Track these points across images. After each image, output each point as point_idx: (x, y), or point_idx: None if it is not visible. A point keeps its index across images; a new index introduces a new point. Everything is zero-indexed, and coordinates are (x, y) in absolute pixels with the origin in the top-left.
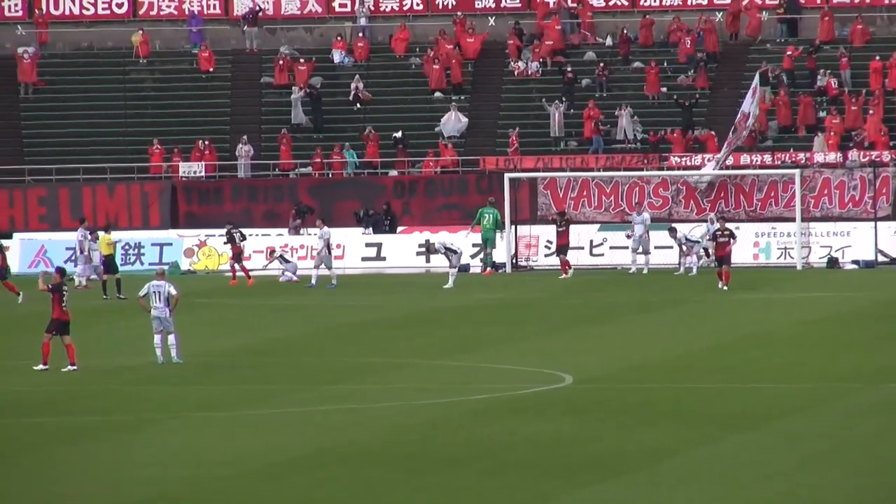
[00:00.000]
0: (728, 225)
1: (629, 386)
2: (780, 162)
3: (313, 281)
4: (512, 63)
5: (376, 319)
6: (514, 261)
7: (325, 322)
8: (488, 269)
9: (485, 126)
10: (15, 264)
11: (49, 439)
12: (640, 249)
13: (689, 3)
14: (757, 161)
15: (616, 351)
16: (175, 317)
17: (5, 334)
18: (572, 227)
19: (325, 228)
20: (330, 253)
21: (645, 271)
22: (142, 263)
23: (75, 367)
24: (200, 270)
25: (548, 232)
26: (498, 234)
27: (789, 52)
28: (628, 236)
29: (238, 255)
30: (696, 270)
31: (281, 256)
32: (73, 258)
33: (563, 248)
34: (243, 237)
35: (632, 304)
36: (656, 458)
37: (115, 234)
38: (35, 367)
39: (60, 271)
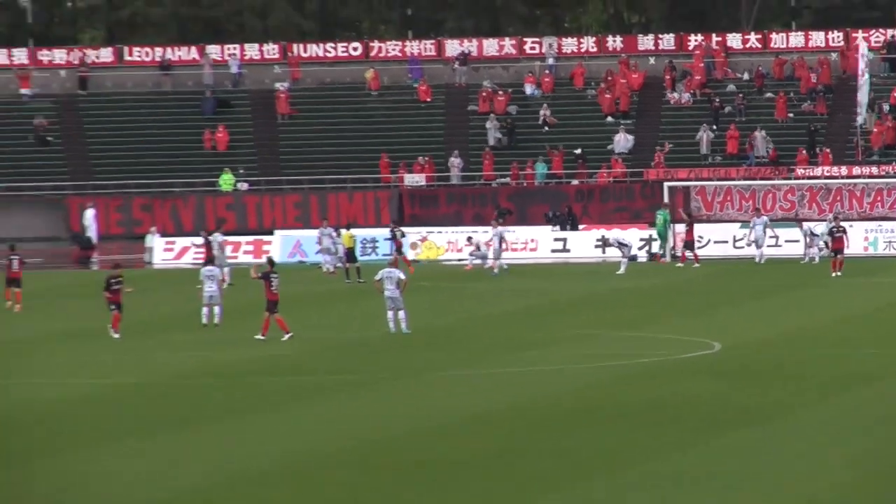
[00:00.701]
0: (842, 223)
1: (766, 352)
2: (884, 172)
3: (496, 270)
4: (668, 94)
5: (562, 300)
6: (672, 253)
7: (521, 302)
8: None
9: (647, 144)
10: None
11: (303, 393)
12: (758, 244)
13: (809, 45)
14: (866, 172)
15: (755, 324)
16: (404, 296)
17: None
18: (714, 226)
19: (499, 227)
20: (500, 247)
21: (761, 262)
22: (376, 254)
23: (291, 335)
24: (423, 260)
25: (699, 229)
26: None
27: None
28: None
29: (399, 249)
30: (818, 259)
31: (477, 247)
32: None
33: (689, 243)
34: (403, 234)
35: (764, 287)
36: (788, 410)
37: (355, 231)
38: (255, 336)
39: (270, 262)
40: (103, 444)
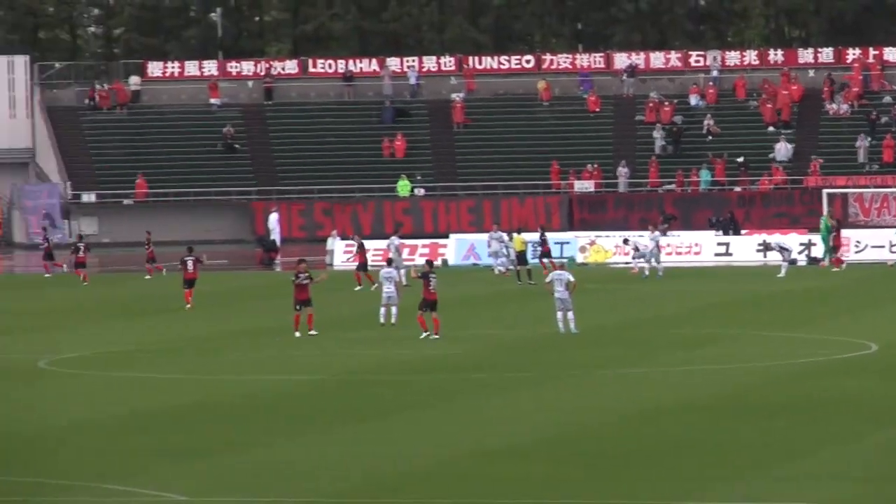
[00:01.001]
0: None
1: None
2: None
3: (646, 272)
4: (827, 105)
5: (725, 301)
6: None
7: (685, 303)
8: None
9: (807, 153)
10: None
11: (480, 389)
12: None
13: None
14: None
15: None
16: (573, 298)
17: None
18: (872, 231)
19: (656, 232)
20: (657, 251)
21: None
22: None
23: (437, 336)
24: (591, 263)
25: (856, 234)
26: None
27: None
28: None
29: (547, 254)
30: None
31: (636, 248)
32: (498, 253)
33: (834, 248)
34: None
35: None
36: None
37: (526, 235)
38: (421, 337)
39: (429, 263)
40: (296, 434)
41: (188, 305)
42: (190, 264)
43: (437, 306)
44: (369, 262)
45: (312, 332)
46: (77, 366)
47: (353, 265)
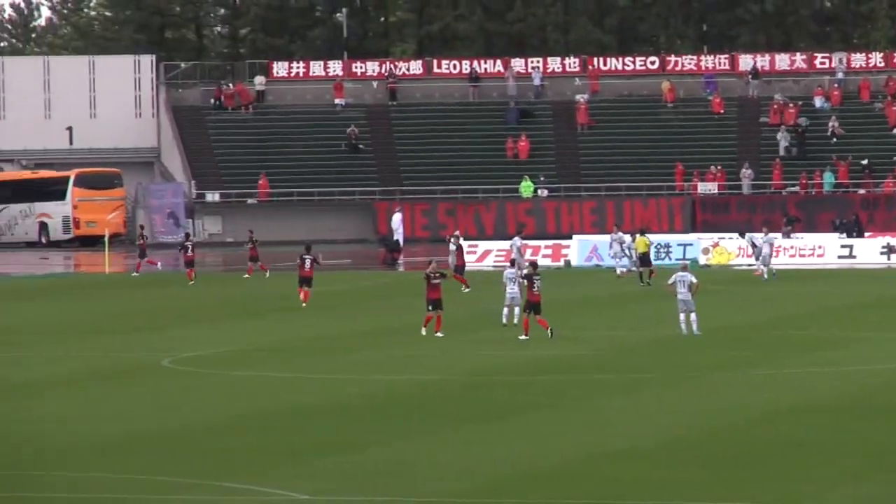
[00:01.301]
0: None
1: None
2: None
3: (765, 276)
4: None
5: (849, 304)
6: None
7: (809, 305)
8: None
9: None
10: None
11: (603, 390)
12: None
13: None
14: None
15: None
16: (695, 299)
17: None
18: None
19: (770, 234)
20: (770, 253)
21: None
22: (669, 259)
23: (549, 336)
24: (714, 265)
25: None
26: None
27: None
28: None
29: (646, 258)
30: None
31: (752, 243)
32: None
33: None
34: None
35: None
36: None
37: (650, 237)
38: (519, 337)
39: (534, 265)
40: (416, 435)
41: (304, 304)
42: (307, 263)
43: (540, 308)
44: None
45: (439, 334)
46: (198, 364)
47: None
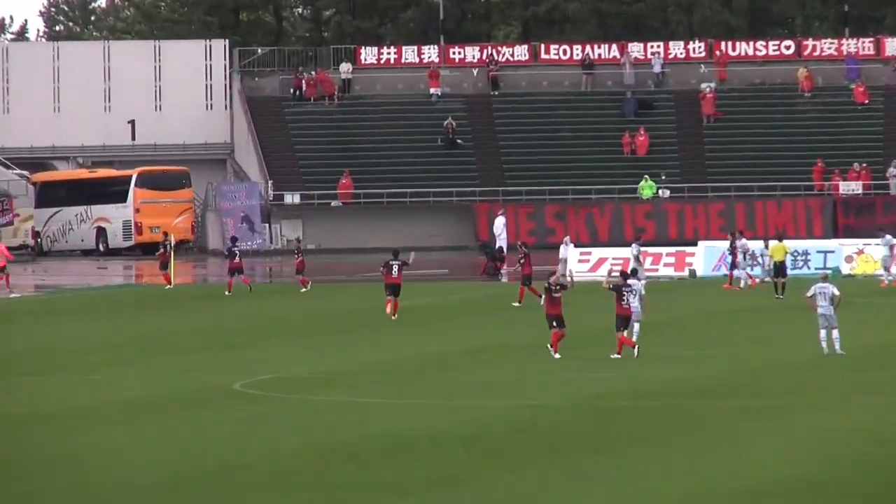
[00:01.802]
0: None
1: None
2: None
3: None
4: None
5: None
6: None
7: None
8: None
9: None
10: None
11: (730, 417)
12: None
13: None
14: None
15: None
16: (838, 314)
17: (661, 329)
18: None
19: (888, 237)
20: (892, 256)
21: None
22: (808, 268)
23: (636, 355)
24: (858, 275)
25: None
26: None
27: None
28: None
29: (782, 267)
30: None
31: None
32: (750, 263)
33: None
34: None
35: None
36: None
37: (788, 243)
38: (611, 356)
39: (623, 275)
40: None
41: (393, 317)
42: (395, 269)
43: (628, 323)
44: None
45: (556, 356)
46: (275, 388)
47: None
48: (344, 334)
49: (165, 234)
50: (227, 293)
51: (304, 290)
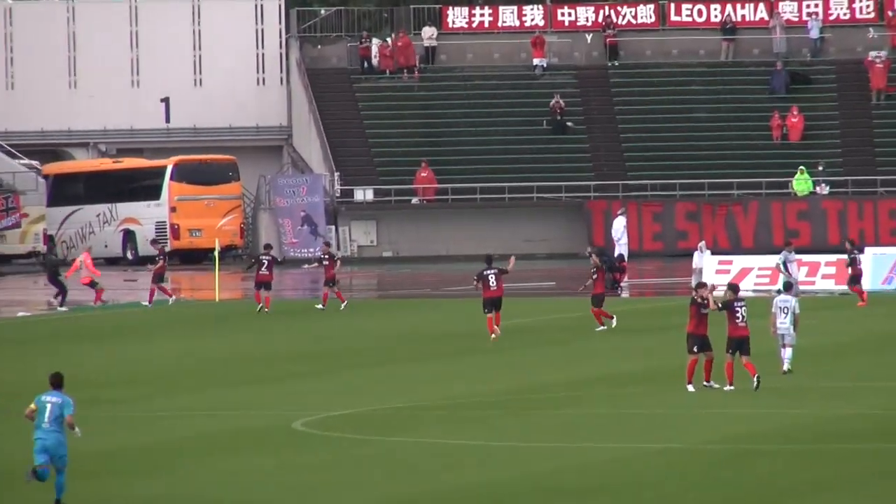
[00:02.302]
0: None
1: None
2: None
3: None
4: None
5: None
6: None
7: None
8: None
9: None
10: (867, 280)
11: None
12: None
13: None
14: None
15: None
16: None
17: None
18: None
19: None
20: None
21: None
22: None
23: (755, 386)
24: None
25: None
26: None
27: None
28: None
29: (856, 278)
30: None
31: None
32: None
33: None
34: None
35: None
36: None
37: None
38: (725, 388)
39: (734, 288)
40: None
41: (493, 336)
42: (492, 279)
43: (748, 347)
44: (752, 286)
45: (709, 384)
46: (343, 427)
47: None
48: (425, 361)
49: (154, 241)
50: (260, 309)
51: (342, 306)
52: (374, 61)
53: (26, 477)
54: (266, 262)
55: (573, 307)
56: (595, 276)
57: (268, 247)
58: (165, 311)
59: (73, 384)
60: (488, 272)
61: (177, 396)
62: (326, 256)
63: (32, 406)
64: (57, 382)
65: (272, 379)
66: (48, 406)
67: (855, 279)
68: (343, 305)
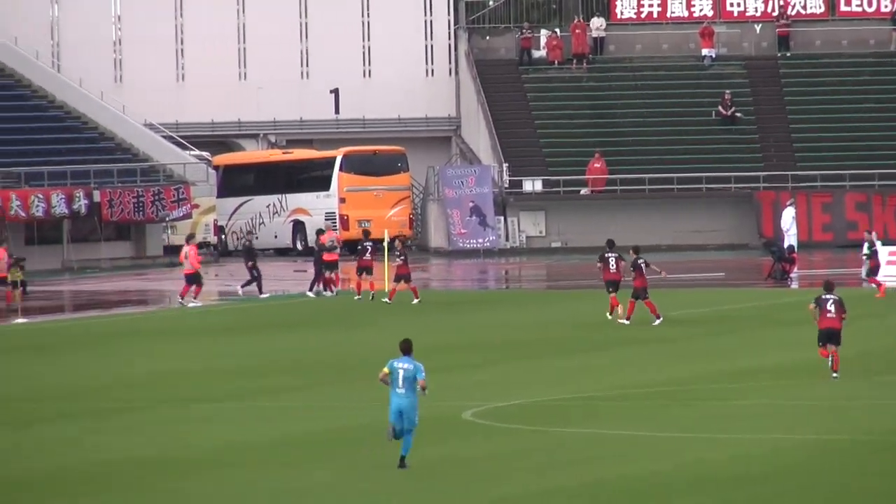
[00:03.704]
0: None
1: None
2: None
3: None
4: None
5: None
6: None
7: None
8: None
9: None
10: None
11: None
12: None
13: None
14: None
15: None
16: None
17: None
18: None
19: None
20: None
21: None
22: None
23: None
24: None
25: None
26: None
27: None
28: None
29: (874, 270)
30: None
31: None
32: None
33: None
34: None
35: None
36: None
37: None
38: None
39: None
40: None
41: (609, 315)
42: (612, 262)
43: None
44: None
45: (836, 375)
46: (512, 418)
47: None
48: (592, 351)
49: (317, 231)
50: (356, 297)
51: (415, 301)
52: (543, 52)
53: (387, 436)
54: (369, 248)
55: (742, 298)
56: (633, 271)
57: (366, 234)
58: (333, 302)
59: (246, 373)
60: (609, 255)
61: (340, 385)
62: (401, 252)
63: (385, 370)
64: (407, 349)
65: (441, 369)
66: (400, 372)
67: (873, 271)
68: (415, 300)
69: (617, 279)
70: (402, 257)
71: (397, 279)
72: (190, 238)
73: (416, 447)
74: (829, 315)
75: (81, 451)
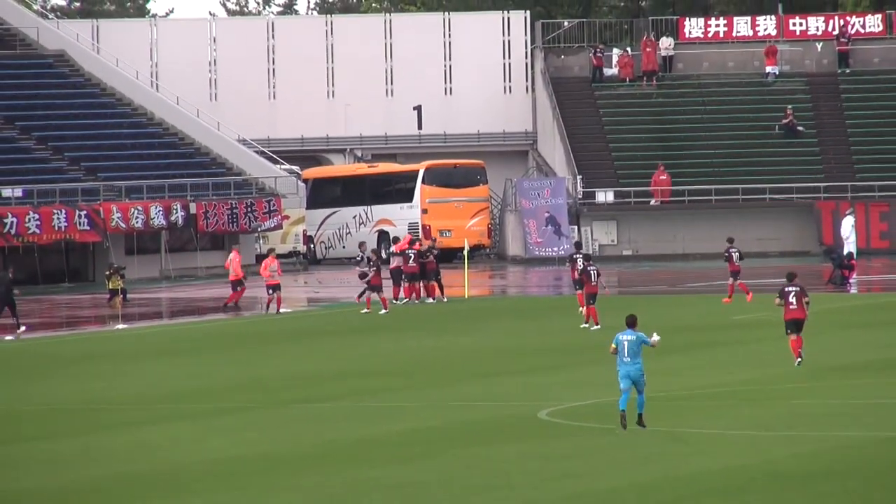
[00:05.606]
0: None
1: None
2: None
3: None
4: None
5: None
6: None
7: None
8: None
9: None
10: None
11: None
12: None
13: None
14: None
15: None
16: None
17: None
18: None
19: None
20: None
21: None
22: None
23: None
24: None
25: None
26: None
27: None
28: None
29: (843, 278)
30: None
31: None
32: None
33: None
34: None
35: None
36: None
37: None
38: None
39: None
40: None
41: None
42: (586, 266)
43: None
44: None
45: (800, 361)
46: (588, 417)
47: None
48: (665, 354)
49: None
50: (407, 301)
51: (382, 311)
52: (614, 70)
53: (620, 404)
54: (412, 256)
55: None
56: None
57: (412, 242)
58: (415, 310)
59: (338, 376)
60: (577, 256)
61: (414, 387)
62: (367, 262)
63: (613, 346)
64: (632, 322)
65: (520, 372)
66: (625, 343)
67: (842, 279)
68: (382, 311)
69: (593, 292)
70: (375, 268)
71: (372, 289)
72: (270, 251)
73: (494, 444)
74: (791, 307)
75: (203, 449)
